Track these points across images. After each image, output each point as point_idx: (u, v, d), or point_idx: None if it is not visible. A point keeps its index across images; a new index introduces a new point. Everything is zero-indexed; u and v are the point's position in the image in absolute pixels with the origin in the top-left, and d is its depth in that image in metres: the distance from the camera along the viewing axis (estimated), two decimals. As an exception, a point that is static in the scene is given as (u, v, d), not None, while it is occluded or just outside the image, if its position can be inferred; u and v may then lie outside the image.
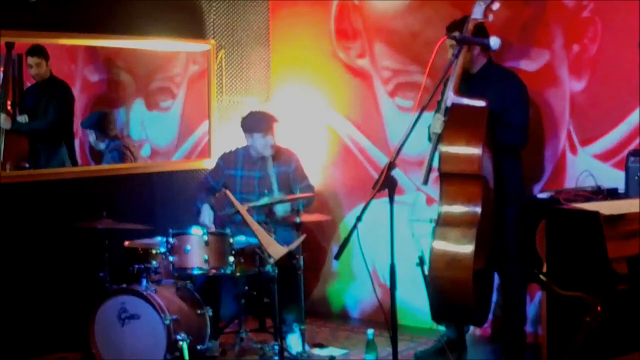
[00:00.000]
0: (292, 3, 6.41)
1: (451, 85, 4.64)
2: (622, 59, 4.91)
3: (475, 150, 4.51)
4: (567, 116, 5.16)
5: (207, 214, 5.35)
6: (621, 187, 4.67)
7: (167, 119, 6.24)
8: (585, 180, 4.89)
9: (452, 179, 4.56)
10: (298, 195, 5.33)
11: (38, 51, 5.57)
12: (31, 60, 5.59)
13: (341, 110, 6.20)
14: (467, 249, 4.45)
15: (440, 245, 4.50)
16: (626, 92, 4.87)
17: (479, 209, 4.50)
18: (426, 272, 4.47)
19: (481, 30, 4.78)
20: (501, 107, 4.72)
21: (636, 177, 4.52)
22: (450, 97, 4.62)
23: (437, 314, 4.64)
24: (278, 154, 5.56)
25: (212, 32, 6.17)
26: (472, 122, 4.58)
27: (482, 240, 4.51)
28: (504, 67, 5.09)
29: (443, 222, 4.53)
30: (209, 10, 6.15)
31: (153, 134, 6.21)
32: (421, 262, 4.46)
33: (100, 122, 5.91)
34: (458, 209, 4.54)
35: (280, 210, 5.29)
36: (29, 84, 5.71)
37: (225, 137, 6.04)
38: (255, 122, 5.48)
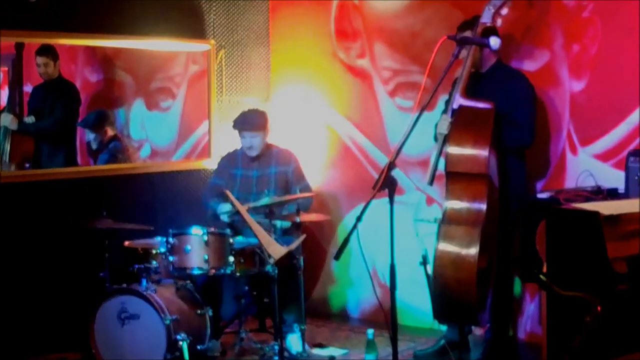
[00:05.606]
0: (292, 3, 6.41)
1: (459, 87, 4.65)
2: (622, 59, 4.91)
3: (481, 152, 4.50)
4: (567, 116, 5.16)
5: (226, 206, 5.33)
6: (621, 187, 4.67)
7: (167, 119, 6.24)
8: (585, 180, 4.89)
9: (458, 177, 4.55)
10: (297, 195, 5.32)
11: (47, 51, 5.55)
12: (39, 59, 5.58)
13: (341, 110, 6.20)
14: (472, 248, 4.42)
15: (445, 243, 4.48)
16: (626, 92, 4.87)
17: (484, 207, 4.48)
18: (429, 272, 4.46)
19: (492, 32, 4.76)
20: (508, 107, 4.72)
21: (636, 177, 4.52)
22: (457, 99, 4.63)
23: (440, 312, 4.63)
24: (277, 154, 5.55)
25: (212, 32, 6.17)
26: (478, 123, 4.58)
27: (486, 241, 4.50)
28: (512, 67, 5.10)
29: (448, 220, 4.51)
30: (209, 10, 6.15)
31: (153, 134, 6.20)
32: (424, 261, 4.46)
33: (97, 122, 5.91)
34: (463, 206, 4.52)
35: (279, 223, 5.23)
36: (29, 84, 5.71)
37: (225, 137, 6.04)
38: (240, 122, 5.47)
